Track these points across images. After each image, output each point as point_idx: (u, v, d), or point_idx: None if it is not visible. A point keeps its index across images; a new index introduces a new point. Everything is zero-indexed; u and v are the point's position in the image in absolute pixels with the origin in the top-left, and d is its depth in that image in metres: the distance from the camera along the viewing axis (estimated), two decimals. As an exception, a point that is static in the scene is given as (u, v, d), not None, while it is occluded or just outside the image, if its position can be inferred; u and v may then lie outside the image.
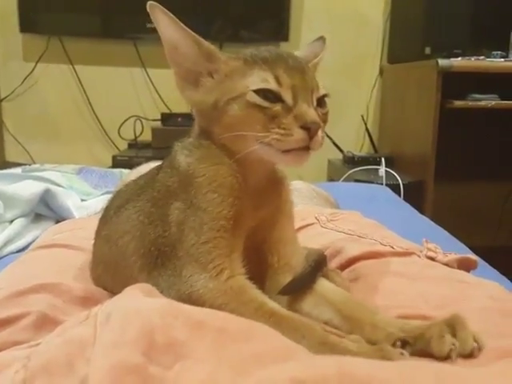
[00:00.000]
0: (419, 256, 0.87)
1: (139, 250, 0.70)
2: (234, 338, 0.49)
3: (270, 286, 0.71)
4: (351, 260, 0.88)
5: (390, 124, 2.95)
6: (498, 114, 2.35)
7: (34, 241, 1.21)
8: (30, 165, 2.15)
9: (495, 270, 1.11)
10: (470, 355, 0.55)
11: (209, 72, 0.68)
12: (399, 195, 2.14)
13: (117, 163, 2.58)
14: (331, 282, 0.74)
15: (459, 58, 2.30)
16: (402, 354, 0.53)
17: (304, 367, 0.43)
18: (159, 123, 2.84)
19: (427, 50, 2.46)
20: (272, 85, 0.63)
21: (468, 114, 2.38)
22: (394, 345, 0.58)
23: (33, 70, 2.92)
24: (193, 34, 0.67)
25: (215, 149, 0.68)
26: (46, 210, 1.58)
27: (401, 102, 2.74)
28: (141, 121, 2.95)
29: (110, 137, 3.00)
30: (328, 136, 2.74)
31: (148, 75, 2.93)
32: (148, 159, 1.91)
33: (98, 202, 1.70)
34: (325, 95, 0.67)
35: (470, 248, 1.19)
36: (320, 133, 0.63)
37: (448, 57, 2.29)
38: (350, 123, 3.04)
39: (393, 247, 0.89)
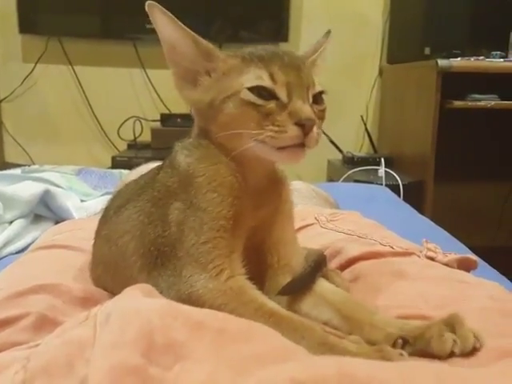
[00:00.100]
0: (419, 256, 0.87)
1: (139, 249, 0.70)
2: (233, 339, 0.49)
3: (269, 286, 0.71)
4: (351, 260, 0.88)
5: (389, 124, 2.95)
6: (497, 114, 2.35)
7: (33, 242, 1.21)
8: (29, 166, 2.15)
9: (495, 270, 1.11)
10: (471, 352, 0.55)
11: (207, 71, 0.69)
12: (399, 195, 2.14)
13: (116, 164, 2.58)
14: (331, 283, 0.74)
15: (459, 59, 2.30)
16: (401, 354, 0.53)
17: (304, 368, 0.43)
18: (158, 124, 2.84)
19: (427, 51, 2.46)
20: (266, 82, 0.63)
21: (467, 114, 2.38)
22: (394, 343, 0.58)
23: (32, 70, 2.92)
24: (191, 32, 0.68)
25: (214, 148, 0.68)
26: (46, 210, 1.57)
27: (400, 102, 2.74)
28: (140, 121, 2.95)
29: (109, 137, 3.00)
30: (327, 136, 2.74)
31: (147, 76, 2.93)
32: (147, 160, 1.91)
33: (98, 202, 1.70)
34: (321, 92, 0.67)
35: (470, 248, 1.19)
36: (315, 129, 0.62)
37: (447, 57, 2.29)
38: (350, 123, 3.04)
39: (392, 247, 0.89)
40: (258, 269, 0.70)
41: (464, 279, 0.79)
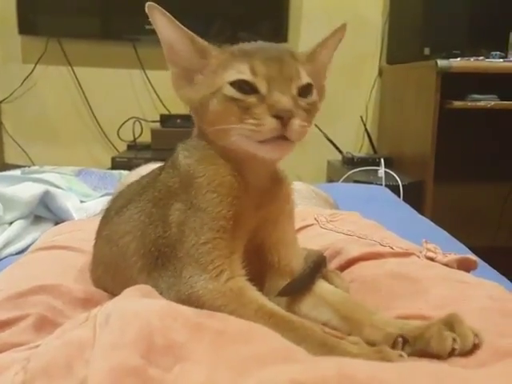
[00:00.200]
0: (419, 257, 0.87)
1: (140, 250, 0.70)
2: (233, 340, 0.49)
3: (269, 287, 0.71)
4: (351, 261, 0.88)
5: (389, 125, 2.95)
6: (497, 114, 2.35)
7: (33, 243, 1.21)
8: (29, 167, 2.15)
9: (495, 271, 1.11)
10: (471, 350, 0.55)
11: (202, 68, 0.69)
12: (399, 196, 2.14)
13: (116, 165, 2.58)
14: (331, 283, 0.74)
15: (458, 59, 2.30)
16: (401, 355, 0.53)
17: (304, 369, 0.43)
18: (158, 125, 2.84)
19: (426, 51, 2.46)
20: (246, 75, 0.63)
21: (467, 115, 2.38)
22: (395, 343, 0.58)
23: (32, 71, 2.92)
24: (189, 32, 0.68)
25: (211, 149, 0.68)
26: (46, 211, 1.58)
27: (400, 102, 2.74)
28: (140, 122, 2.95)
29: (109, 138, 3.00)
30: (327, 137, 2.75)
31: (147, 77, 2.93)
32: (147, 160, 1.91)
33: (98, 203, 1.70)
34: (308, 84, 0.66)
35: (470, 248, 1.19)
36: (297, 122, 0.61)
37: (447, 57, 2.29)
38: (349, 124, 3.04)
39: (392, 248, 0.89)
40: (259, 269, 0.70)
41: (464, 279, 0.78)
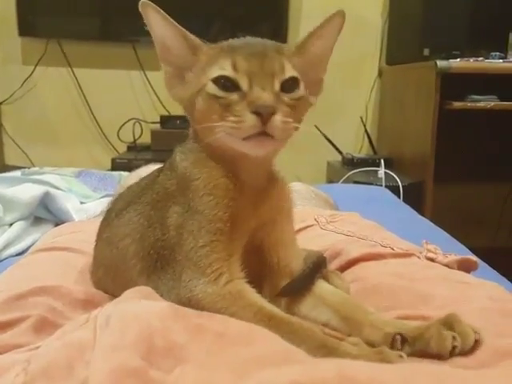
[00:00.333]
0: (419, 257, 0.87)
1: (139, 253, 0.70)
2: (233, 342, 0.49)
3: (269, 287, 0.71)
4: (351, 261, 0.88)
5: (389, 125, 2.95)
6: (497, 114, 2.35)
7: (33, 244, 1.21)
8: (29, 168, 2.15)
9: (495, 271, 1.11)
10: (473, 348, 0.55)
11: (192, 66, 0.68)
12: (399, 197, 2.13)
13: (116, 166, 2.58)
14: (331, 284, 0.74)
15: (458, 60, 2.30)
16: (400, 356, 0.53)
17: (304, 370, 0.43)
18: (158, 126, 2.84)
19: (426, 52, 2.46)
20: (228, 71, 0.62)
21: (467, 115, 2.38)
22: (393, 341, 0.58)
23: (32, 73, 2.92)
24: (182, 29, 0.67)
25: (203, 151, 0.68)
26: (46, 213, 1.57)
27: (400, 103, 2.74)
28: (140, 123, 2.95)
29: (109, 139, 3.00)
30: (327, 138, 2.74)
31: (147, 78, 2.93)
32: (147, 162, 1.91)
33: (98, 204, 1.70)
34: (293, 78, 0.64)
35: (470, 249, 1.19)
36: (278, 117, 0.60)
37: (447, 58, 2.29)
38: (349, 125, 3.04)
39: (393, 248, 0.89)
40: (258, 270, 0.70)
41: (464, 280, 0.79)
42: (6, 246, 1.39)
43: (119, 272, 0.75)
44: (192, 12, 2.74)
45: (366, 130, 3.01)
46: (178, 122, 2.70)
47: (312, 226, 1.09)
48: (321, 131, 2.63)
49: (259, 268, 0.71)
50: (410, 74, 2.63)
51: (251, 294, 0.63)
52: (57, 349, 0.51)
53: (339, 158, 2.85)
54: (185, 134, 0.74)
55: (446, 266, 0.84)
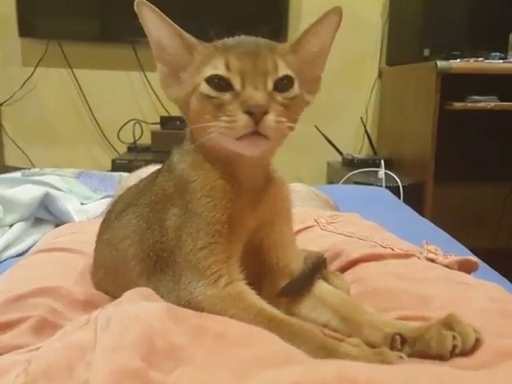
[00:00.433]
0: (419, 258, 0.87)
1: (138, 255, 0.70)
2: (233, 343, 0.49)
3: (269, 288, 0.71)
4: (351, 262, 0.88)
5: (389, 126, 2.95)
6: (497, 115, 2.35)
7: (33, 245, 1.21)
8: (29, 169, 2.15)
9: (495, 272, 1.11)
10: (474, 347, 0.55)
11: (187, 65, 0.68)
12: (399, 197, 2.13)
13: (116, 167, 2.59)
14: (331, 285, 0.74)
15: (458, 60, 2.30)
16: (400, 357, 0.53)
17: (304, 371, 0.43)
18: (158, 126, 2.84)
19: (426, 52, 2.46)
20: (221, 70, 0.62)
21: (467, 116, 2.38)
22: (393, 341, 0.58)
23: (32, 74, 2.92)
24: (178, 28, 0.67)
25: (199, 152, 0.68)
26: (46, 213, 1.57)
27: (400, 103, 2.74)
28: (140, 124, 2.96)
29: (109, 140, 3.00)
30: (327, 138, 2.74)
31: (147, 79, 2.93)
32: (147, 162, 1.91)
33: (98, 205, 1.70)
34: (287, 76, 0.64)
35: (470, 250, 1.19)
36: (272, 117, 0.59)
37: (447, 58, 2.29)
38: (349, 125, 3.04)
39: (393, 249, 0.89)
40: (258, 271, 0.70)
41: (464, 280, 0.78)
42: (6, 247, 1.39)
43: (119, 273, 0.75)
44: (192, 12, 2.74)
45: (366, 131, 3.01)
46: (178, 122, 2.70)
47: (312, 226, 1.09)
48: (321, 132, 2.63)
49: (258, 268, 0.71)
50: (410, 74, 2.63)
51: (251, 295, 0.63)
52: (57, 350, 0.51)
53: (339, 158, 2.85)
54: (182, 135, 0.73)
55: (447, 266, 0.84)
